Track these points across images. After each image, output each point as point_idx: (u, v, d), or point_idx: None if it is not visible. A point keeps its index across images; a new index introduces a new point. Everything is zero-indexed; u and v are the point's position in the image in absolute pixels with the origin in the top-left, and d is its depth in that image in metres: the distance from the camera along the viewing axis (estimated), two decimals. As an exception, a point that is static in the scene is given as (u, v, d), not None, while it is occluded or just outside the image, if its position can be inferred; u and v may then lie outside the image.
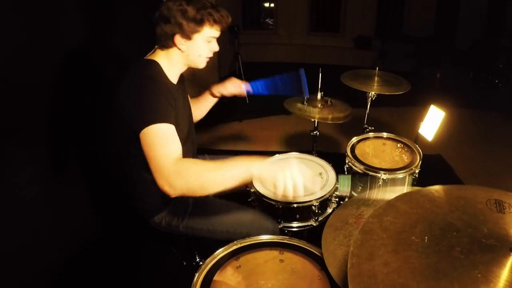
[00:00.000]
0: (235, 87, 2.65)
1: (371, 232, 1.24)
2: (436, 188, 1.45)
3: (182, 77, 2.35)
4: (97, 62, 3.13)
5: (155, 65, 2.10)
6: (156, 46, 2.14)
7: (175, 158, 1.78)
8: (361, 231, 1.25)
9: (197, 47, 2.09)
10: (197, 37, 2.04)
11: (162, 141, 1.80)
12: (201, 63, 2.19)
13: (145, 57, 2.16)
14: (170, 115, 1.90)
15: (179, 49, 2.07)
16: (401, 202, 1.39)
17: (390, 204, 1.38)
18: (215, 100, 2.74)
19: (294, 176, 1.69)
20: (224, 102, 2.83)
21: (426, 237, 1.19)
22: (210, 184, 1.72)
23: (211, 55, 2.19)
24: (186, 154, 2.07)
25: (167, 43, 2.07)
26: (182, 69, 2.23)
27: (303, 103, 3.20)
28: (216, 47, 2.18)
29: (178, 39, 2.02)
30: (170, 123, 1.86)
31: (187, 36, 2.02)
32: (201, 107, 2.73)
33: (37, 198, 2.60)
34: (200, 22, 2.00)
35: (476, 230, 1.19)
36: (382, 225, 1.27)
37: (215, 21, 2.04)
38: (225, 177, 1.72)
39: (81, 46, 2.90)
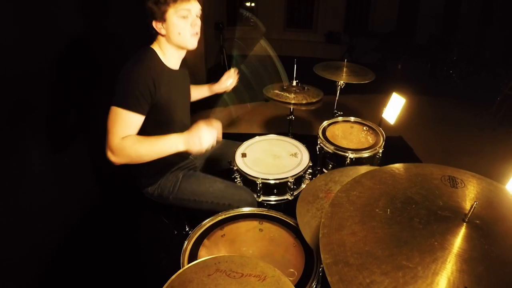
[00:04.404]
0: (228, 82, 2.75)
1: (339, 205, 1.24)
2: (397, 166, 1.45)
3: (184, 63, 2.31)
4: (97, 49, 3.09)
5: (151, 52, 2.05)
6: None
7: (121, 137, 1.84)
8: (331, 205, 1.25)
9: (173, 26, 1.97)
10: (169, 16, 1.95)
11: (119, 122, 1.85)
12: (187, 42, 2.06)
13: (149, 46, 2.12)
14: (140, 105, 1.90)
15: (161, 34, 2.01)
16: (366, 179, 1.39)
17: (356, 180, 1.38)
18: (207, 95, 2.83)
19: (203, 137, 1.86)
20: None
21: (388, 210, 1.19)
22: (147, 157, 1.88)
23: (194, 31, 2.05)
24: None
25: (152, 32, 2.02)
26: (177, 53, 2.15)
27: (280, 89, 3.21)
28: (196, 21, 2.05)
29: (155, 24, 1.97)
30: (137, 112, 1.89)
31: (161, 19, 1.95)
32: (194, 95, 2.74)
33: (45, 170, 2.59)
34: (163, 2, 1.91)
35: (432, 203, 1.19)
36: (350, 199, 1.26)
37: None
38: (159, 152, 1.89)
39: (80, 34, 2.86)
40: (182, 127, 2.28)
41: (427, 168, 1.42)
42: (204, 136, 1.86)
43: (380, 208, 1.20)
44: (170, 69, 2.13)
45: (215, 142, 1.92)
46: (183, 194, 2.30)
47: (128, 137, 1.85)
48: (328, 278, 0.99)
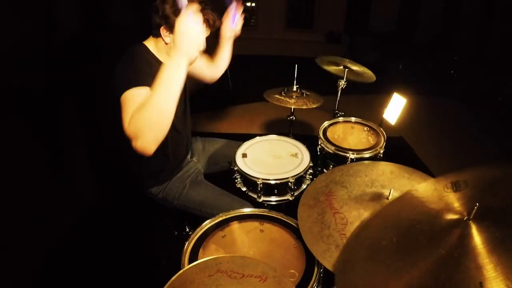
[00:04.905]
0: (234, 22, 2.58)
1: (349, 250, 1.26)
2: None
3: None
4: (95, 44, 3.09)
5: (143, 47, 2.05)
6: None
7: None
8: (341, 252, 1.26)
9: None
10: None
11: (127, 105, 1.72)
12: None
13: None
14: (143, 78, 1.76)
15: (164, 41, 2.00)
16: (372, 215, 1.38)
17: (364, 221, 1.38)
18: (228, 46, 2.73)
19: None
20: (210, 91, 2.80)
21: (394, 238, 1.17)
22: (160, 112, 1.52)
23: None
24: (177, 136, 2.05)
25: (155, 32, 2.00)
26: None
27: (280, 94, 3.20)
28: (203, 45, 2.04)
29: (163, 31, 1.95)
30: (142, 85, 1.75)
31: (171, 30, 1.91)
32: (222, 55, 2.71)
33: (45, 170, 2.60)
34: None
35: (435, 215, 1.17)
36: (358, 241, 1.27)
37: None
38: (164, 92, 1.51)
39: (80, 34, 2.86)
40: (178, 125, 2.26)
41: (429, 187, 1.39)
42: (190, 34, 1.52)
43: (387, 240, 1.19)
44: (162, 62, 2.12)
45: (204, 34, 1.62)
46: (188, 202, 2.33)
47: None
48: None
